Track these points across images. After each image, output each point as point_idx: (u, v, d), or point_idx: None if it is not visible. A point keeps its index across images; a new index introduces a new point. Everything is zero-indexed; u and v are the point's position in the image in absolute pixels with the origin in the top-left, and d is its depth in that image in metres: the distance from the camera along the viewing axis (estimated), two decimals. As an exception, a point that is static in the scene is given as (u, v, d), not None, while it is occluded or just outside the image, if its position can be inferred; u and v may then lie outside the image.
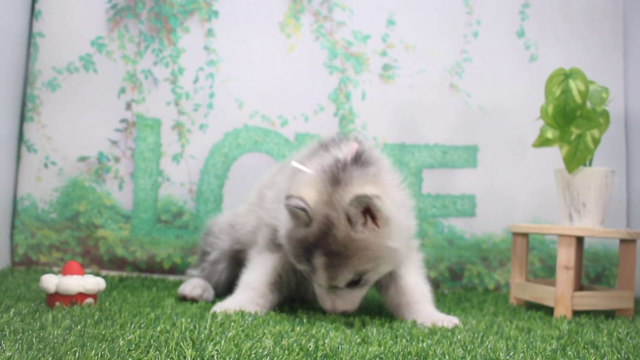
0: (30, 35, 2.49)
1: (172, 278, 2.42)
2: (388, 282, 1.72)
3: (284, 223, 1.63)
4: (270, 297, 1.70)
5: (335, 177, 1.56)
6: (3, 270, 2.31)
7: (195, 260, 2.15)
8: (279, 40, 2.56)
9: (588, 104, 1.95)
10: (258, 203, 1.90)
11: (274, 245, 1.72)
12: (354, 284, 1.58)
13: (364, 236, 1.52)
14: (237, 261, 1.95)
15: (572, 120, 1.89)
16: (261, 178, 2.04)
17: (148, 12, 2.52)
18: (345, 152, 1.64)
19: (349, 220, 1.51)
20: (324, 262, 1.53)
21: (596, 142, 1.94)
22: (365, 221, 1.53)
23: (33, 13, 2.49)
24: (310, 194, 1.55)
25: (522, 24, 2.62)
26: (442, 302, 2.12)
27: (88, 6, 2.50)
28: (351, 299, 1.60)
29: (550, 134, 2.01)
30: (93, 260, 2.45)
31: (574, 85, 1.88)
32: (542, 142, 2.06)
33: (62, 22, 2.48)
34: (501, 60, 2.61)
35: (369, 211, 1.52)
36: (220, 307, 1.63)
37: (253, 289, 1.68)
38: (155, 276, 2.44)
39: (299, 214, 1.54)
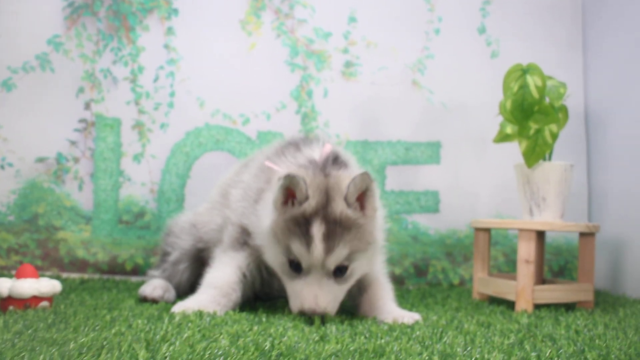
0: (-16, 33, 2.44)
1: (134, 279, 2.39)
2: None
3: (262, 217, 1.62)
4: (234, 296, 1.68)
5: (323, 172, 1.60)
6: (-41, 274, 2.26)
7: (156, 261, 2.12)
8: (240, 38, 2.54)
9: (546, 100, 1.96)
10: (222, 202, 1.89)
11: (239, 243, 1.70)
12: (340, 273, 1.55)
13: (357, 217, 1.54)
14: (198, 261, 1.93)
15: (530, 115, 1.91)
16: (223, 176, 2.02)
17: (106, 10, 2.48)
18: (319, 152, 1.67)
19: (346, 199, 1.54)
20: (323, 231, 1.51)
21: (554, 136, 1.96)
22: (357, 206, 1.55)
23: (-13, 11, 2.44)
24: (305, 175, 1.57)
25: (483, 21, 2.64)
26: (406, 298, 2.12)
27: (44, 4, 2.46)
28: (334, 295, 1.56)
29: (509, 129, 2.02)
30: (53, 263, 2.41)
31: (532, 81, 1.89)
32: (502, 137, 2.07)
33: (17, 20, 2.43)
34: (463, 57, 2.63)
35: (360, 199, 1.55)
36: (180, 307, 1.60)
37: (216, 288, 1.66)
38: (117, 277, 2.41)
39: (300, 186, 1.52)
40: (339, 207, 1.53)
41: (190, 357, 1.11)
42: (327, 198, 1.54)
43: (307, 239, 1.51)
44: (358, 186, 1.53)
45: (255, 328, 1.41)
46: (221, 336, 1.30)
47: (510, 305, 1.97)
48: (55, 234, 2.41)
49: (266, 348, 1.20)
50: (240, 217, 1.72)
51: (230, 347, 1.20)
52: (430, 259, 2.54)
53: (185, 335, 1.29)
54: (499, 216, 2.56)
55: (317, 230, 1.51)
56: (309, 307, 1.53)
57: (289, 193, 1.56)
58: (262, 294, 1.89)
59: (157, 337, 1.26)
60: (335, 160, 1.65)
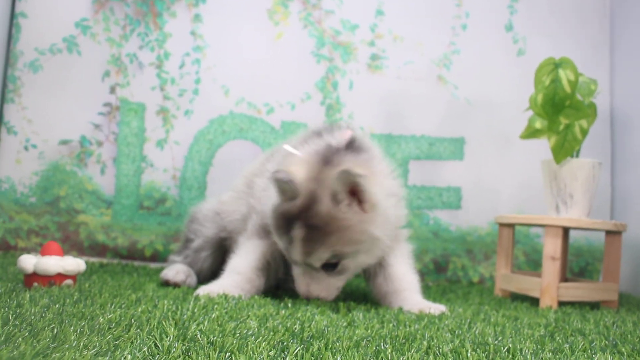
0: (13, 15, 2.44)
1: (153, 265, 2.38)
2: (377, 270, 1.69)
3: (271, 201, 1.61)
4: (257, 283, 1.67)
5: (327, 159, 1.55)
6: (-20, 254, 2.26)
7: (178, 247, 2.11)
8: (267, 27, 2.53)
9: (577, 96, 1.94)
10: (247, 191, 1.88)
11: (264, 231, 1.69)
12: (331, 268, 1.55)
13: (346, 216, 1.49)
14: (221, 249, 1.93)
15: (561, 109, 1.88)
16: (249, 166, 2.01)
17: (134, -5, 2.48)
18: (339, 138, 1.63)
19: (334, 198, 1.49)
20: (301, 234, 1.50)
21: (584, 132, 1.94)
22: (351, 203, 1.50)
23: (16, -7, 2.44)
24: (298, 171, 1.53)
25: (511, 18, 2.62)
26: (427, 293, 2.10)
27: (73, -13, 2.45)
28: (326, 286, 1.57)
29: (539, 124, 2.00)
30: (73, 246, 2.40)
31: (564, 75, 1.87)
32: (531, 132, 2.05)
33: (46, 3, 2.43)
34: (489, 54, 2.61)
35: (356, 194, 1.50)
36: (204, 290, 1.60)
37: (240, 274, 1.65)
38: (136, 263, 2.40)
39: (285, 187, 1.52)
40: (325, 207, 1.49)
41: (221, 335, 1.10)
42: (314, 197, 1.50)
43: (289, 240, 1.53)
44: (342, 183, 1.48)
45: (283, 312, 1.40)
46: (249, 318, 1.29)
47: (534, 302, 1.94)
48: (76, 217, 2.41)
49: (296, 330, 1.19)
50: (263, 206, 1.71)
51: (259, 327, 1.19)
52: (450, 255, 2.52)
53: (214, 315, 1.28)
54: (521, 213, 2.54)
55: (297, 233, 1.50)
56: (303, 293, 1.58)
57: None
58: (284, 284, 1.88)
59: (185, 316, 1.25)
60: (350, 145, 1.61)
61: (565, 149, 1.93)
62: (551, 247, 1.87)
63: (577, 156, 2.01)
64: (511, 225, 2.10)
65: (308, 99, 2.52)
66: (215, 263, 1.93)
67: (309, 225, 1.49)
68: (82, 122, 2.43)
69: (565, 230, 2.03)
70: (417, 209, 2.54)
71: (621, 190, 2.53)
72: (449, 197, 2.55)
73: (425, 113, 2.56)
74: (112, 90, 2.46)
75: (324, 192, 1.50)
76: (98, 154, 2.44)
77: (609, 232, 2.00)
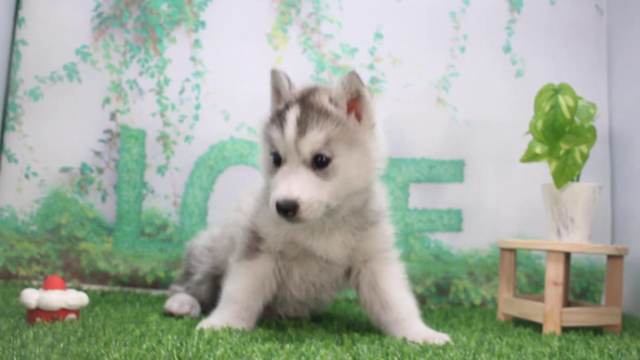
0: (13, 42, 2.46)
1: (155, 293, 2.37)
2: (372, 298, 1.69)
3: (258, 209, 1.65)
4: (255, 308, 1.66)
5: None
6: (-19, 283, 2.25)
7: (179, 276, 2.11)
8: (267, 52, 2.54)
9: (576, 120, 1.95)
10: (236, 212, 1.86)
11: (251, 250, 1.67)
12: (321, 165, 1.46)
13: (341, 115, 1.50)
14: (218, 282, 1.92)
15: (561, 135, 1.89)
16: (241, 192, 2.00)
17: (134, 21, 2.49)
18: None
19: (332, 100, 1.51)
20: (297, 114, 1.48)
21: (584, 157, 1.94)
22: (349, 113, 1.52)
23: (16, 20, 2.46)
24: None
25: (509, 39, 2.63)
26: (429, 318, 2.10)
27: (73, 14, 2.46)
28: (310, 187, 1.44)
29: (539, 149, 2.00)
30: (74, 274, 2.40)
31: (563, 101, 1.88)
32: (530, 157, 2.06)
33: (46, 30, 2.44)
34: (488, 75, 2.62)
35: (355, 109, 1.52)
36: (207, 323, 1.59)
37: (237, 303, 1.64)
38: (138, 290, 2.39)
39: (282, 82, 1.56)
40: (322, 101, 1.50)
41: (227, 375, 1.09)
42: (313, 91, 1.53)
43: (283, 122, 1.49)
44: (346, 86, 1.49)
45: (287, 346, 1.40)
46: (254, 354, 1.29)
47: (537, 327, 1.94)
48: (77, 244, 2.41)
49: (301, 368, 1.18)
50: (250, 218, 1.70)
51: (265, 366, 1.19)
52: (452, 278, 2.52)
53: (218, 352, 1.27)
54: (522, 236, 2.54)
55: (292, 113, 1.48)
56: (280, 194, 1.42)
57: (280, 93, 1.59)
58: (278, 307, 1.85)
59: (190, 353, 1.25)
60: None
61: (565, 174, 1.93)
62: (553, 272, 1.87)
63: (577, 180, 2.02)
64: (513, 250, 2.10)
65: (308, 124, 2.52)
66: (214, 295, 1.92)
67: (305, 107, 1.49)
68: (82, 149, 2.44)
69: (567, 255, 2.03)
70: (418, 232, 2.54)
71: (622, 211, 2.53)
72: (450, 220, 2.55)
73: (425, 135, 2.57)
74: (113, 116, 2.47)
75: (323, 91, 1.53)
76: (99, 181, 2.44)
77: (610, 256, 2.00)
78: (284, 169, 1.48)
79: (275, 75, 1.58)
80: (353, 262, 1.69)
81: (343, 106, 1.50)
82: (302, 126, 1.46)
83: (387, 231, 1.72)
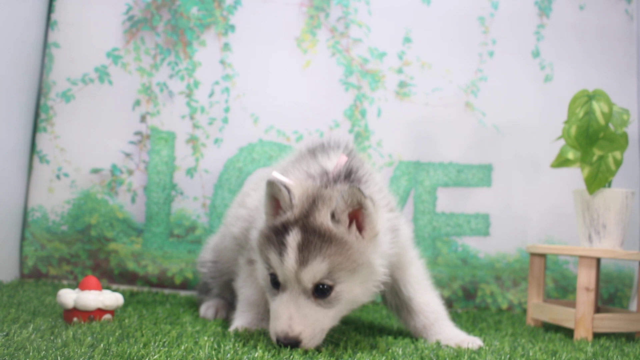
0: (45, 45, 2.48)
1: (183, 293, 2.39)
2: (398, 304, 1.68)
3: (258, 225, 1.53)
4: None
5: (329, 185, 1.48)
6: (12, 282, 2.28)
7: (199, 286, 2.12)
8: (295, 55, 2.55)
9: (610, 126, 1.94)
10: (239, 207, 1.82)
11: None
12: (323, 294, 1.38)
13: (344, 235, 1.38)
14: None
15: (594, 141, 1.88)
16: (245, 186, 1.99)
17: (165, 24, 2.51)
18: (335, 162, 1.54)
19: (334, 216, 1.38)
20: (298, 240, 1.36)
21: (618, 163, 1.93)
22: (350, 225, 1.40)
23: (49, 23, 2.48)
24: (295, 186, 1.46)
25: (538, 44, 2.63)
26: (457, 322, 2.08)
27: (104, 17, 2.48)
28: (312, 321, 1.37)
29: (571, 155, 1.99)
30: (103, 274, 2.42)
31: (597, 107, 1.87)
32: (562, 162, 2.05)
33: (78, 33, 2.46)
34: (516, 80, 2.61)
35: (357, 218, 1.40)
36: (240, 326, 1.59)
37: (259, 305, 1.63)
38: (167, 291, 2.41)
39: (279, 194, 1.42)
40: (322, 218, 1.38)
41: (269, 377, 1.10)
42: (313, 207, 1.40)
43: (282, 248, 1.38)
44: (347, 200, 1.37)
45: (323, 349, 1.40)
46: (292, 357, 1.30)
47: (567, 332, 1.93)
48: (107, 245, 2.43)
49: (341, 371, 1.19)
50: (257, 216, 1.63)
51: (305, 368, 1.19)
52: (479, 282, 2.51)
53: (257, 354, 1.28)
54: (549, 241, 2.53)
55: (293, 239, 1.37)
56: (281, 330, 1.36)
57: (277, 203, 1.45)
58: None
59: (228, 355, 1.26)
60: (348, 175, 1.50)
61: (598, 180, 1.93)
62: (585, 278, 1.86)
63: (609, 186, 2.01)
64: (543, 255, 2.10)
65: (336, 127, 2.53)
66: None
67: (307, 230, 1.37)
68: (113, 151, 2.46)
69: (598, 261, 2.02)
70: (445, 236, 2.53)
71: (651, 217, 2.51)
72: (477, 224, 2.55)
73: (453, 140, 2.57)
74: (143, 119, 2.49)
75: (323, 206, 1.40)
76: (129, 183, 2.46)
77: (643, 263, 1.98)
78: (284, 298, 1.39)
79: (273, 186, 1.43)
80: None
81: (345, 220, 1.39)
82: (304, 255, 1.35)
83: (404, 235, 1.63)
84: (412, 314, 1.66)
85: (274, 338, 1.38)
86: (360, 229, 1.41)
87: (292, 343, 1.35)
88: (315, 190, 1.44)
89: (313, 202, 1.41)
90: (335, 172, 1.50)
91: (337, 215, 1.38)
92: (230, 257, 1.83)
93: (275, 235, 1.40)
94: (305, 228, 1.37)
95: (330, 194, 1.43)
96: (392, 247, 1.50)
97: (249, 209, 1.74)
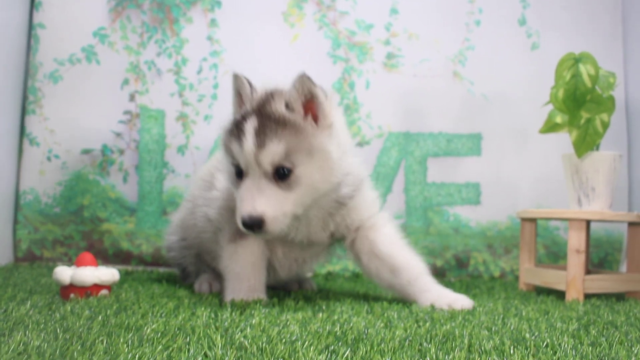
0: (31, 26, 2.46)
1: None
2: (378, 265, 1.68)
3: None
4: (264, 282, 1.67)
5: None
6: (7, 265, 2.29)
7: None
8: (283, 30, 2.55)
9: (596, 89, 1.95)
10: (208, 189, 1.84)
11: (241, 232, 1.63)
12: (283, 176, 1.45)
13: (299, 122, 1.48)
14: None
15: (582, 104, 1.90)
16: (206, 166, 1.98)
17: (150, 2, 2.49)
18: None
19: (288, 105, 1.49)
20: (255, 125, 1.46)
21: (605, 126, 1.95)
22: (305, 116, 1.50)
23: (33, 4, 2.46)
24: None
25: (524, 12, 2.63)
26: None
27: (89, -3, 2.47)
28: (274, 201, 1.44)
29: (559, 119, 2.01)
30: (97, 254, 2.43)
31: (584, 70, 1.88)
32: (550, 127, 2.06)
33: (63, 13, 2.45)
34: (503, 49, 2.62)
35: (311, 112, 1.50)
36: (236, 296, 1.61)
37: (248, 279, 1.64)
38: (161, 270, 2.42)
39: (243, 86, 1.56)
40: (279, 108, 1.49)
41: (267, 341, 1.12)
42: (269, 98, 1.51)
43: (241, 135, 1.47)
44: (298, 89, 1.48)
45: (320, 315, 1.42)
46: (289, 322, 1.31)
47: (560, 295, 1.96)
48: (100, 225, 2.43)
49: (338, 333, 1.21)
50: (228, 202, 1.69)
51: (302, 332, 1.21)
52: (471, 251, 2.54)
53: (254, 321, 1.30)
54: (540, 207, 2.56)
55: (250, 125, 1.46)
56: (245, 210, 1.43)
57: (241, 98, 1.57)
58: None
59: (226, 324, 1.27)
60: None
61: (586, 143, 1.94)
62: (576, 240, 1.89)
63: (597, 149, 2.03)
64: (533, 220, 2.12)
65: (325, 100, 2.53)
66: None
67: (263, 116, 1.47)
68: (103, 131, 2.46)
69: (588, 223, 2.05)
70: (437, 206, 2.55)
71: (639, 179, 2.54)
72: (468, 193, 2.57)
73: (442, 110, 2.58)
74: (132, 98, 2.48)
75: (279, 97, 1.51)
76: (120, 162, 2.46)
77: (631, 224, 2.01)
78: (246, 183, 1.47)
79: (237, 79, 1.57)
80: (341, 233, 1.69)
81: (299, 110, 1.49)
82: (261, 138, 1.45)
83: (368, 197, 1.70)
84: (395, 272, 1.67)
85: (239, 222, 1.45)
86: (315, 120, 1.50)
87: (257, 223, 1.42)
88: (272, 86, 1.57)
89: (270, 94, 1.53)
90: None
91: (291, 104, 1.49)
92: (201, 236, 1.85)
93: (236, 127, 1.50)
94: (262, 115, 1.48)
95: (286, 89, 1.53)
96: (348, 143, 1.60)
97: (220, 190, 1.76)
